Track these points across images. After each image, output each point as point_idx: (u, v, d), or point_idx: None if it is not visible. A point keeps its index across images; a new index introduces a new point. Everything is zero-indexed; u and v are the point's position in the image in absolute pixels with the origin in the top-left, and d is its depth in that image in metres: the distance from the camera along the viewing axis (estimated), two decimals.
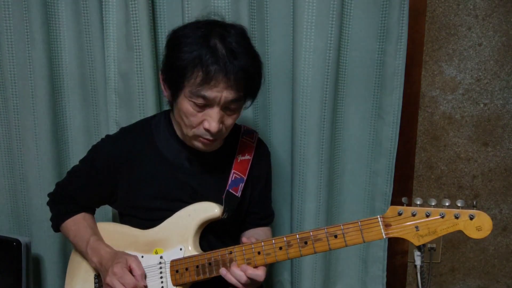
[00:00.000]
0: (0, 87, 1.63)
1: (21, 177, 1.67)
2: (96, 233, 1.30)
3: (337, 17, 1.47)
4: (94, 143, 1.32)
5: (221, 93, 1.06)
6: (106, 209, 1.62)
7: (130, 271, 1.16)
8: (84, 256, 1.29)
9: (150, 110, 1.55)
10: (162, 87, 1.16)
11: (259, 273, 1.08)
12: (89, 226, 1.30)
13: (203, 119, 1.10)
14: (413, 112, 1.73)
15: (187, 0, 1.48)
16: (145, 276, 1.19)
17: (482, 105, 1.74)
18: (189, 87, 1.06)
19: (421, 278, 1.85)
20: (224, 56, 1.04)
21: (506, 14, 1.66)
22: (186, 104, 1.09)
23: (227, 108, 1.11)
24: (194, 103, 1.08)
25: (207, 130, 1.10)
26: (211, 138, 1.13)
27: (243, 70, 1.06)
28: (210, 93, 1.05)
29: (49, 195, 1.38)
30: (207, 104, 1.08)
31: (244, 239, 1.15)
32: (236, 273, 1.09)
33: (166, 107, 1.55)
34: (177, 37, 1.10)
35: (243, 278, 1.08)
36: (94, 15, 1.58)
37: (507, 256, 1.85)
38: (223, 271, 1.11)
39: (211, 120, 1.09)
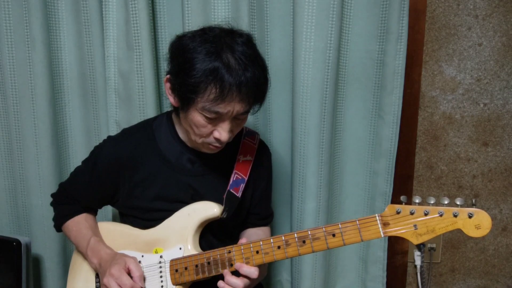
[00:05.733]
0: (0, 87, 1.63)
1: (21, 177, 1.67)
2: (96, 234, 1.30)
3: (337, 17, 1.47)
4: (94, 143, 1.32)
5: (233, 107, 1.07)
6: (106, 209, 1.63)
7: (129, 272, 1.17)
8: (84, 257, 1.29)
9: (150, 110, 1.55)
10: (168, 94, 1.15)
11: (252, 270, 1.09)
12: (90, 227, 1.31)
13: (213, 129, 1.11)
14: (413, 112, 1.73)
15: (187, 0, 1.48)
16: (144, 279, 1.19)
17: (482, 105, 1.73)
18: (202, 103, 1.06)
19: (421, 278, 1.85)
20: (237, 70, 1.04)
21: (506, 14, 1.66)
22: (197, 117, 1.09)
23: (236, 118, 1.12)
24: (206, 116, 1.08)
25: (217, 140, 1.12)
26: (220, 145, 1.15)
27: (254, 82, 1.06)
28: (223, 109, 1.06)
29: (52, 195, 1.39)
30: (219, 117, 1.09)
31: (243, 240, 1.15)
32: (231, 282, 1.09)
33: (166, 108, 1.56)
34: (186, 50, 1.07)
35: (240, 285, 1.08)
36: (94, 14, 1.58)
37: (507, 256, 1.85)
38: (225, 271, 1.12)
39: (222, 131, 1.11)
